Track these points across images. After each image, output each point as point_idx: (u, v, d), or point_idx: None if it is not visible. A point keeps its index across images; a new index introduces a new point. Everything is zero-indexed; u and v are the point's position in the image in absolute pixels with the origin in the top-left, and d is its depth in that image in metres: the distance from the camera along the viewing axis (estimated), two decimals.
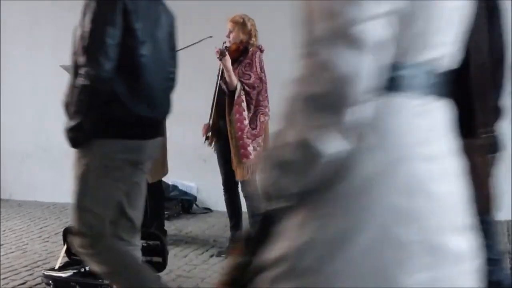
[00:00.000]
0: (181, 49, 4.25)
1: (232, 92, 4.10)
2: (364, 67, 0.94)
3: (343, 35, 0.94)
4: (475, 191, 1.18)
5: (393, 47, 0.99)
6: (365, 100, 0.96)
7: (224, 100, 4.17)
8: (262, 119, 4.19)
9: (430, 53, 1.05)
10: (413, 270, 0.99)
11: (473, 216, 1.13)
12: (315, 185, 1.00)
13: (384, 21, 0.96)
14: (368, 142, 1.00)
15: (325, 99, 0.95)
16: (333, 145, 0.96)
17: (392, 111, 1.02)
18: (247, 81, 4.10)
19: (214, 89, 4.28)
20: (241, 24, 4.23)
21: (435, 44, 1.06)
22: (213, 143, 4.33)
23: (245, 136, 4.08)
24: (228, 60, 4.03)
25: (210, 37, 4.35)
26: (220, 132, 4.24)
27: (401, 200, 0.99)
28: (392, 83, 1.01)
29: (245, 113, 4.10)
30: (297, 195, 1.02)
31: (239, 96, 4.08)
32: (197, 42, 4.43)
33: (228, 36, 4.24)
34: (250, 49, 4.21)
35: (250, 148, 4.09)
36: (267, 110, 4.20)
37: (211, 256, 4.34)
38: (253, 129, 4.13)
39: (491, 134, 1.94)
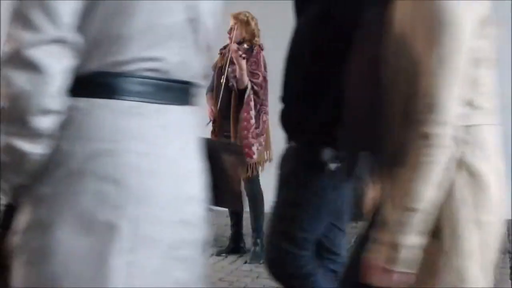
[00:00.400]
0: None
1: (241, 91, 4.08)
2: (40, 84, 1.10)
3: (17, 57, 1.09)
4: (224, 188, 1.39)
5: (78, 62, 1.14)
6: (51, 109, 1.12)
7: (229, 99, 4.15)
8: (264, 118, 4.18)
9: (139, 64, 1.19)
10: (116, 252, 1.14)
11: (195, 211, 1.27)
12: (27, 180, 1.17)
13: (60, 44, 1.11)
14: (69, 142, 1.16)
15: (10, 112, 1.12)
16: (27, 147, 1.13)
17: (92, 114, 1.17)
18: (256, 80, 4.08)
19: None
20: (245, 22, 4.21)
21: (147, 56, 1.19)
22: None
23: (250, 136, 4.07)
24: (243, 59, 4.00)
25: None
26: (222, 131, 4.22)
27: (102, 187, 1.15)
28: (92, 90, 1.17)
29: (252, 112, 4.09)
30: (17, 188, 1.20)
31: (249, 95, 4.06)
32: None
33: (229, 33, 4.22)
34: (255, 48, 4.19)
35: (254, 148, 4.08)
36: (268, 109, 4.19)
37: (211, 255, 4.32)
38: (256, 128, 4.12)
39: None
